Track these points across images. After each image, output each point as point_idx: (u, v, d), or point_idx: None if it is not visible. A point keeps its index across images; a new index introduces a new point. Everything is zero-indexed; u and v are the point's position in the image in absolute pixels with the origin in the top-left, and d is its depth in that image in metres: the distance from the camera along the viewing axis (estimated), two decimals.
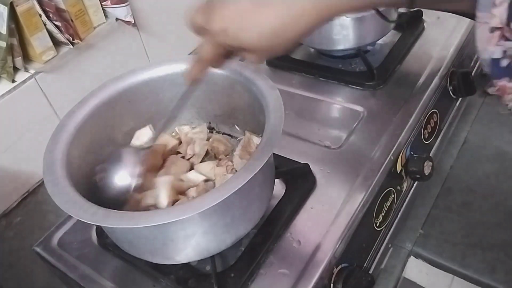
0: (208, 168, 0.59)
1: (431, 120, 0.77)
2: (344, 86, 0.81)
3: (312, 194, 0.63)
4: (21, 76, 0.67)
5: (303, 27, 0.39)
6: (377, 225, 0.64)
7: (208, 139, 0.64)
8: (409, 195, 0.73)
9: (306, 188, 0.63)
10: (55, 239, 0.65)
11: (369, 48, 0.89)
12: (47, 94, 0.70)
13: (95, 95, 0.58)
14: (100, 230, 0.62)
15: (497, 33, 0.31)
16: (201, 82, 0.48)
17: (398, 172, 0.69)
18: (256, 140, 0.58)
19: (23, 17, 0.63)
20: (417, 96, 0.75)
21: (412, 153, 0.72)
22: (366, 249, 0.63)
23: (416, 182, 0.75)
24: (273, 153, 0.54)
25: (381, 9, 0.75)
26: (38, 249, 0.64)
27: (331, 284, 0.55)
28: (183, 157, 0.62)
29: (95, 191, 0.51)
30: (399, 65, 0.83)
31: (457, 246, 0.72)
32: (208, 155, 0.64)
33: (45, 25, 0.66)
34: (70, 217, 0.67)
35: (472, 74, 0.86)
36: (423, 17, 0.91)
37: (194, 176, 0.58)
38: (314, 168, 0.65)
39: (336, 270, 0.56)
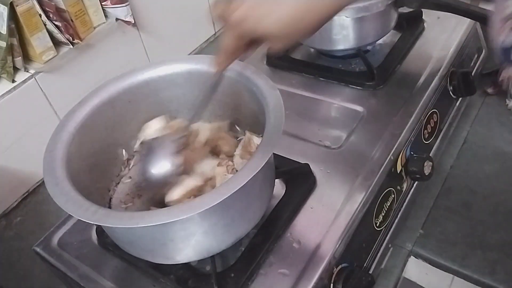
0: (209, 167, 0.59)
1: (431, 120, 0.77)
2: (344, 86, 0.81)
3: (312, 194, 0.63)
4: (21, 76, 0.67)
5: (324, 12, 0.39)
6: (377, 225, 0.64)
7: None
8: (409, 195, 0.73)
9: (306, 188, 0.63)
10: (55, 239, 0.65)
11: (369, 48, 0.89)
12: (47, 94, 0.70)
13: (95, 95, 0.58)
14: (100, 230, 0.62)
15: (510, 23, 0.31)
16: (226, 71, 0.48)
17: (398, 172, 0.69)
18: (256, 140, 0.58)
19: (23, 17, 0.63)
20: (417, 96, 0.75)
21: (412, 153, 0.72)
22: (366, 249, 0.63)
23: (416, 182, 0.75)
24: (273, 153, 0.54)
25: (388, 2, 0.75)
26: (38, 249, 0.64)
27: (331, 284, 0.55)
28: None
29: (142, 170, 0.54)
30: (399, 65, 0.83)
31: (457, 246, 0.72)
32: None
33: (45, 25, 0.66)
34: (70, 217, 0.67)
35: (472, 74, 0.86)
36: (423, 17, 0.91)
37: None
38: (314, 168, 0.65)
39: (336, 270, 0.56)
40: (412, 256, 0.73)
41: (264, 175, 0.53)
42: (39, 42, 0.66)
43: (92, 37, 0.73)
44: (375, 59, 0.84)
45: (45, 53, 0.68)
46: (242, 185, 0.42)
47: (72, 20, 0.70)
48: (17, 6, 0.62)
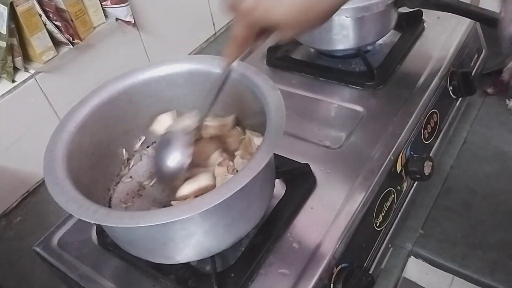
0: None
1: (431, 120, 0.77)
2: (344, 86, 0.81)
3: (312, 194, 0.63)
4: (21, 76, 0.67)
5: (335, 0, 0.39)
6: (377, 225, 0.64)
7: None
8: (409, 195, 0.73)
9: (306, 188, 0.63)
10: (55, 239, 0.65)
11: (369, 48, 0.89)
12: (47, 94, 0.70)
13: (96, 94, 0.58)
14: (100, 230, 0.62)
15: None
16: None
17: (398, 172, 0.69)
18: (257, 140, 0.58)
19: (23, 17, 0.63)
20: (417, 96, 0.75)
21: (412, 153, 0.72)
22: (366, 249, 0.63)
23: (416, 182, 0.75)
24: (273, 153, 0.54)
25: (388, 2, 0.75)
26: (38, 249, 0.64)
27: (331, 284, 0.55)
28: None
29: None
30: (399, 65, 0.83)
31: (457, 246, 0.72)
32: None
33: (45, 25, 0.66)
34: (70, 217, 0.67)
35: (472, 74, 0.87)
36: (423, 17, 0.91)
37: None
38: (314, 168, 0.65)
39: (336, 270, 0.56)
40: (412, 256, 0.73)
41: (265, 175, 0.53)
42: (39, 42, 0.66)
43: (92, 37, 0.73)
44: (375, 59, 0.84)
45: (45, 53, 0.68)
46: (243, 185, 0.43)
47: (72, 20, 0.70)
48: (17, 6, 0.62)
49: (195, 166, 0.56)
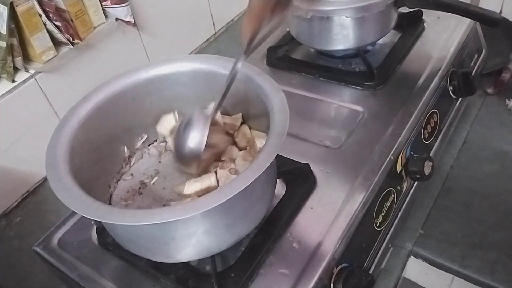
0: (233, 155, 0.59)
1: (431, 120, 0.77)
2: (344, 86, 0.81)
3: (312, 194, 0.63)
4: (21, 76, 0.67)
5: None
6: (377, 225, 0.64)
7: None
8: (409, 195, 0.73)
9: (306, 188, 0.63)
10: (55, 239, 0.65)
11: (369, 48, 0.89)
12: (47, 94, 0.70)
13: (99, 91, 0.58)
14: (100, 230, 0.62)
15: None
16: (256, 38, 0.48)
17: (398, 172, 0.69)
18: (259, 142, 0.58)
19: (23, 17, 0.63)
20: (417, 96, 0.75)
21: (412, 153, 0.72)
22: (366, 249, 0.63)
23: (416, 182, 0.75)
24: None
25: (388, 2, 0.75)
26: (38, 249, 0.64)
27: (331, 284, 0.55)
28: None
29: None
30: (399, 65, 0.83)
31: (457, 246, 0.72)
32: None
33: (45, 25, 0.66)
34: (70, 217, 0.67)
35: (472, 74, 0.86)
36: (423, 17, 0.91)
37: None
38: (314, 168, 0.65)
39: (336, 270, 0.56)
40: (412, 256, 0.73)
41: (267, 176, 0.53)
42: (39, 42, 0.66)
43: (92, 37, 0.74)
44: (375, 59, 0.84)
45: (45, 53, 0.68)
46: (246, 186, 0.42)
47: (72, 20, 0.70)
48: (17, 6, 0.62)
49: (211, 158, 0.58)
